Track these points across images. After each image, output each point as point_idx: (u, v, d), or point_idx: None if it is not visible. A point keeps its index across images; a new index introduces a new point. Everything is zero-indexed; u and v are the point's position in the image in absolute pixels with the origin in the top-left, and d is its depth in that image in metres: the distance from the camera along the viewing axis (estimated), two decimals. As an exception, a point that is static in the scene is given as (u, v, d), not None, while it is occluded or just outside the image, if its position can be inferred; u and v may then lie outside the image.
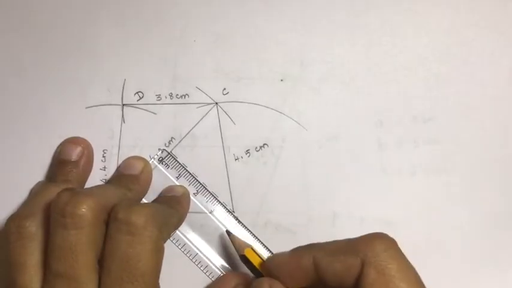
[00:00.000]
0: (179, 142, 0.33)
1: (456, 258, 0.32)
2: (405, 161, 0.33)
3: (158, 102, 0.33)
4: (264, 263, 0.29)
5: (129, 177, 0.30)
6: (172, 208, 0.29)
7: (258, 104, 0.33)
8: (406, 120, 0.33)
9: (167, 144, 0.33)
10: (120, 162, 0.32)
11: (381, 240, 0.24)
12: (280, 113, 0.33)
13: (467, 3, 0.34)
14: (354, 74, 0.33)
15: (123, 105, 0.33)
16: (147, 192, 0.31)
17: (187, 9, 0.33)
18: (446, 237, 0.32)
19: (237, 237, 0.30)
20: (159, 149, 0.32)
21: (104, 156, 0.32)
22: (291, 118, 0.33)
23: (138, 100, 0.33)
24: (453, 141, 0.33)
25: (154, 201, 0.31)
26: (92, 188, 0.27)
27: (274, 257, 0.28)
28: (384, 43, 0.33)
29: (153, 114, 0.33)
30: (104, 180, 0.32)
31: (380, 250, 0.24)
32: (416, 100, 0.33)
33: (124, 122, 0.33)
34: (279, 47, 0.33)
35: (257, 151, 0.33)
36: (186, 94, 0.33)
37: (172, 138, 0.33)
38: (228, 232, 0.31)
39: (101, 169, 0.32)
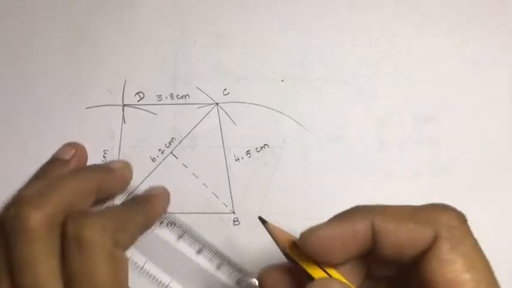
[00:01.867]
0: (180, 142, 0.33)
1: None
2: (407, 162, 0.32)
3: (159, 102, 0.33)
4: (298, 245, 0.22)
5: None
6: (138, 205, 0.29)
7: (259, 105, 0.33)
8: (407, 120, 0.33)
9: (168, 145, 0.33)
10: (120, 162, 0.32)
11: (453, 213, 0.21)
12: (281, 113, 0.33)
13: (468, 2, 0.34)
14: (354, 74, 0.33)
15: (124, 105, 0.33)
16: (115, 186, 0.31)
17: (187, 10, 0.33)
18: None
19: (275, 227, 0.24)
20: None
21: (104, 157, 0.32)
22: (291, 118, 0.33)
23: (138, 100, 0.33)
24: (455, 141, 0.33)
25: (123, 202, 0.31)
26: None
27: (313, 231, 0.21)
28: (384, 43, 0.33)
29: (153, 114, 0.33)
30: (105, 181, 0.32)
31: (455, 223, 0.20)
32: (418, 100, 0.33)
33: (124, 122, 0.33)
34: (280, 47, 0.33)
35: (258, 152, 0.33)
36: (187, 94, 0.33)
37: (172, 138, 0.33)
38: (262, 219, 0.24)
39: (101, 169, 0.32)
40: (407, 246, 0.20)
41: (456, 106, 0.33)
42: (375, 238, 0.20)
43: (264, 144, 0.33)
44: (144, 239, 0.30)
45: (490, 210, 0.32)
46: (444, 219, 0.20)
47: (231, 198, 0.32)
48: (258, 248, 0.32)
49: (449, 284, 0.19)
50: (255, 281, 0.31)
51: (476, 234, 0.31)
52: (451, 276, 0.19)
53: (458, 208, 0.32)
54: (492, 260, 0.31)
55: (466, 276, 0.19)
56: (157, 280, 0.31)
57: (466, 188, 0.32)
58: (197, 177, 0.32)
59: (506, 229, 0.32)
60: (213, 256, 0.31)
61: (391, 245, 0.20)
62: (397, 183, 0.32)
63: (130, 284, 0.27)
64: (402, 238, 0.20)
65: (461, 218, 0.21)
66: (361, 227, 0.20)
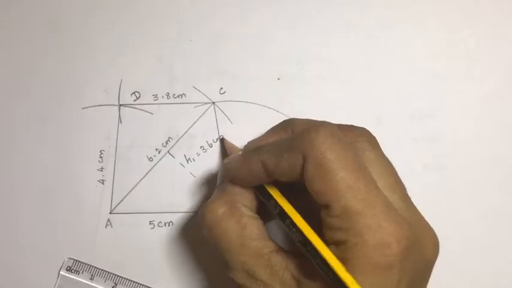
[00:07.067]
0: (176, 142, 0.33)
1: (455, 256, 0.32)
2: (404, 159, 0.32)
3: (155, 102, 0.33)
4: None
5: None
6: None
7: (255, 103, 0.33)
8: (404, 117, 0.33)
9: (164, 144, 0.33)
10: (117, 162, 0.32)
11: (317, 133, 0.23)
12: (277, 111, 0.33)
13: (465, 0, 0.34)
14: (351, 72, 0.33)
15: (120, 105, 0.33)
16: None
17: (183, 9, 0.33)
18: (446, 234, 0.32)
19: (230, 142, 0.32)
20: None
21: (101, 157, 0.32)
22: (288, 117, 0.33)
23: (134, 100, 0.33)
24: (452, 138, 0.33)
25: None
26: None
27: (229, 161, 0.27)
28: (380, 41, 0.33)
29: (150, 114, 0.33)
30: (102, 181, 0.32)
31: (318, 142, 0.23)
32: (414, 97, 0.33)
33: (121, 122, 0.33)
34: (275, 45, 0.33)
35: (255, 150, 0.33)
36: (183, 94, 0.33)
37: (169, 138, 0.33)
38: (222, 139, 0.32)
39: (98, 170, 0.32)
40: (290, 171, 0.24)
41: (452, 103, 0.33)
42: (266, 171, 0.25)
43: (261, 143, 0.33)
44: None
45: (487, 207, 0.32)
46: (308, 141, 0.23)
47: (229, 197, 0.32)
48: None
49: (315, 194, 0.23)
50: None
51: (472, 232, 0.32)
52: (316, 188, 0.23)
53: (456, 205, 0.32)
54: (487, 256, 0.32)
55: (328, 186, 0.23)
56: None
57: (463, 184, 0.32)
58: (194, 177, 0.32)
59: (501, 225, 0.32)
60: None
61: (279, 174, 0.24)
62: (394, 180, 0.32)
63: None
64: (284, 167, 0.24)
65: (326, 135, 0.23)
66: (254, 166, 0.25)
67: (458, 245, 0.32)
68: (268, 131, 0.30)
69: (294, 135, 0.25)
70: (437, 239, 0.25)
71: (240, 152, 0.27)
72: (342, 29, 0.33)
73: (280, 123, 0.29)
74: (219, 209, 0.26)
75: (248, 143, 0.30)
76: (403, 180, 0.32)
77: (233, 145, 0.31)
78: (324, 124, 0.24)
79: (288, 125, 0.29)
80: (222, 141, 0.32)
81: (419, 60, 0.33)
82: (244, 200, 0.26)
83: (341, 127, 0.26)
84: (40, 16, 0.33)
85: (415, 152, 0.33)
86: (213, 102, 0.33)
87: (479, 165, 0.32)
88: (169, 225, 0.32)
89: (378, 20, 0.33)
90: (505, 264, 0.32)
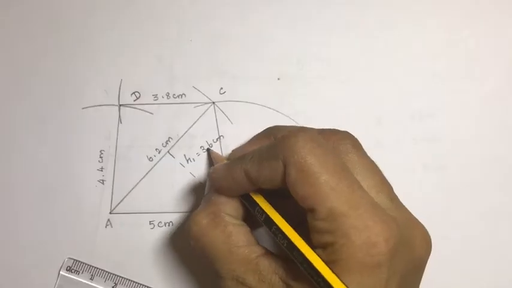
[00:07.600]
0: (176, 142, 0.33)
1: (455, 256, 0.32)
2: (404, 159, 0.33)
3: (155, 102, 0.33)
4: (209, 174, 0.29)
5: None
6: None
7: (255, 103, 0.33)
8: (404, 117, 0.33)
9: (164, 144, 0.33)
10: (117, 162, 0.32)
11: (296, 138, 0.23)
12: (277, 111, 0.33)
13: (466, 0, 0.34)
14: (351, 72, 0.33)
15: (120, 105, 0.33)
16: None
17: (183, 9, 0.33)
18: (446, 234, 0.32)
19: (217, 153, 0.32)
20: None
21: (101, 157, 0.32)
22: (288, 117, 0.33)
23: (134, 100, 0.33)
24: (452, 138, 0.33)
25: None
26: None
27: (214, 171, 0.27)
28: (380, 41, 0.33)
29: (150, 114, 0.33)
30: (102, 181, 0.32)
31: (298, 147, 0.23)
32: (414, 97, 0.33)
33: (121, 122, 0.33)
34: (275, 45, 0.33)
35: (255, 150, 0.33)
36: (183, 94, 0.33)
37: (169, 138, 0.33)
38: (208, 149, 0.32)
39: (98, 170, 0.32)
40: (272, 178, 0.24)
41: (452, 103, 0.33)
42: (249, 180, 0.25)
43: (261, 143, 0.33)
44: None
45: (487, 207, 0.32)
46: (287, 147, 0.23)
47: (229, 197, 0.32)
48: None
49: (300, 199, 0.23)
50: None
51: (472, 232, 0.32)
52: (300, 193, 0.23)
53: (456, 205, 0.32)
54: (487, 256, 0.32)
55: (311, 190, 0.23)
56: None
57: (463, 184, 0.32)
58: (194, 176, 0.32)
59: (501, 225, 0.32)
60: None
61: (262, 181, 0.25)
62: (393, 180, 0.32)
63: None
64: (266, 174, 0.24)
65: (306, 140, 0.23)
66: (237, 175, 0.25)
67: (458, 245, 0.32)
68: (252, 139, 0.30)
69: (274, 142, 0.25)
70: (429, 236, 0.25)
71: (225, 162, 0.28)
72: (342, 29, 0.33)
73: (263, 130, 0.30)
74: (203, 220, 0.26)
75: (232, 151, 0.31)
76: (403, 180, 0.32)
77: (219, 155, 0.32)
78: (303, 129, 0.25)
79: (271, 132, 0.29)
80: (209, 151, 0.32)
81: (419, 60, 0.33)
82: (229, 208, 0.27)
83: (323, 131, 0.26)
84: (40, 16, 0.33)
85: (415, 152, 0.33)
86: (213, 102, 0.33)
87: (479, 165, 0.32)
88: (169, 225, 0.32)
89: (378, 20, 0.33)
90: (505, 264, 0.32)
